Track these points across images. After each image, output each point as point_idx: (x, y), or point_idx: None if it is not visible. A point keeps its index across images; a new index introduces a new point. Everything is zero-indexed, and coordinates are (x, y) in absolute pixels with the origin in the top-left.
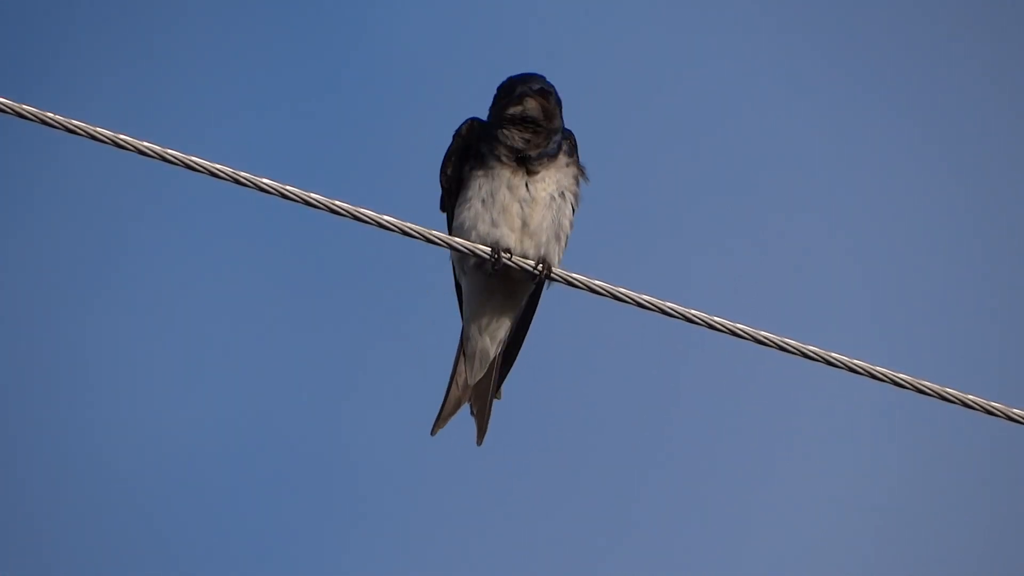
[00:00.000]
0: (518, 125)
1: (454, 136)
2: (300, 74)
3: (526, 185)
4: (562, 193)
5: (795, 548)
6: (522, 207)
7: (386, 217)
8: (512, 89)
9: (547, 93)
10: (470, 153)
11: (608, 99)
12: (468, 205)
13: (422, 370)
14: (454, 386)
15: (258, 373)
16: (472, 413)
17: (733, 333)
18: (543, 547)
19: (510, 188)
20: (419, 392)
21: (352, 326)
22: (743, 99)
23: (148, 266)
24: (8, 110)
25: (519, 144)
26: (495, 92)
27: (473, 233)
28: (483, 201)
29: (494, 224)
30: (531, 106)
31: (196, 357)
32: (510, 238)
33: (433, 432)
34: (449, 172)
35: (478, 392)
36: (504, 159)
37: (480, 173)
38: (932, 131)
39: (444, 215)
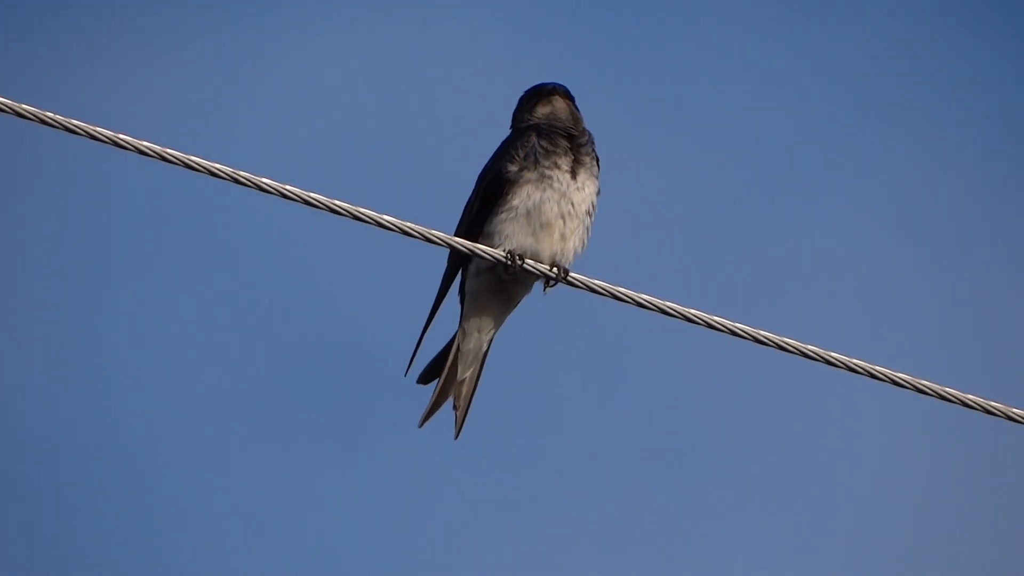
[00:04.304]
0: (556, 126)
1: (508, 149)
2: (300, 73)
3: (566, 197)
4: (589, 211)
5: (794, 548)
6: (564, 221)
7: (386, 217)
8: (540, 92)
9: (571, 96)
10: (515, 158)
11: (608, 96)
12: (511, 216)
13: (420, 368)
14: (446, 380)
15: (257, 371)
16: (454, 407)
17: (733, 333)
18: (540, 547)
19: (555, 199)
20: (418, 390)
21: (351, 325)
22: (744, 98)
23: (148, 265)
24: (8, 110)
25: (562, 144)
26: (519, 101)
27: (513, 242)
28: (527, 214)
29: (536, 239)
30: (561, 106)
31: (195, 356)
32: (545, 251)
33: (420, 424)
34: (492, 177)
35: (464, 387)
36: (551, 163)
37: (527, 180)
38: (932, 130)
39: (443, 214)
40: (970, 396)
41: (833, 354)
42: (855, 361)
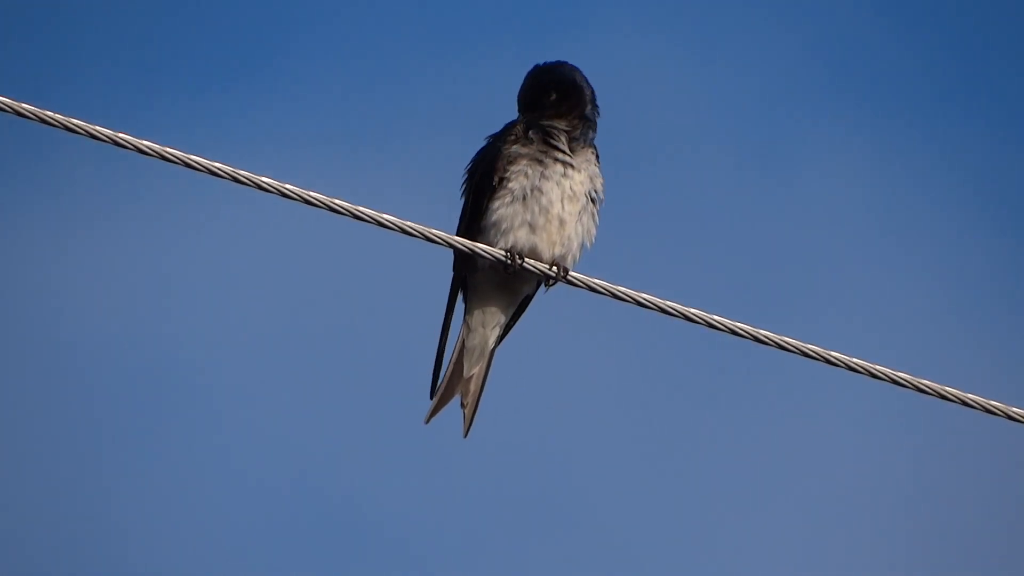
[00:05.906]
0: (550, 117)
1: (499, 137)
2: (299, 72)
3: (567, 178)
4: (591, 195)
5: (794, 547)
6: (563, 205)
7: (385, 216)
8: (538, 82)
9: (572, 85)
10: (506, 146)
11: (614, 95)
12: (506, 201)
13: (420, 368)
14: (452, 377)
15: (256, 371)
16: (462, 405)
17: (733, 332)
18: (538, 548)
19: (553, 181)
20: (417, 390)
21: (351, 325)
22: (746, 101)
23: (147, 265)
24: (8, 109)
25: (556, 135)
26: (523, 82)
27: (511, 236)
28: (524, 198)
29: (532, 228)
30: (554, 99)
31: (195, 356)
32: (543, 244)
33: (426, 420)
34: (484, 168)
35: (471, 384)
36: (544, 152)
37: (521, 168)
38: (931, 127)
39: (445, 212)
40: (970, 395)
41: (833, 353)
42: (855, 360)
